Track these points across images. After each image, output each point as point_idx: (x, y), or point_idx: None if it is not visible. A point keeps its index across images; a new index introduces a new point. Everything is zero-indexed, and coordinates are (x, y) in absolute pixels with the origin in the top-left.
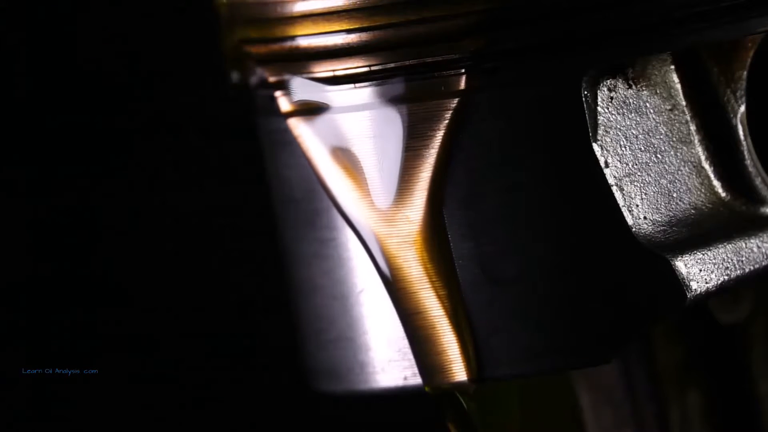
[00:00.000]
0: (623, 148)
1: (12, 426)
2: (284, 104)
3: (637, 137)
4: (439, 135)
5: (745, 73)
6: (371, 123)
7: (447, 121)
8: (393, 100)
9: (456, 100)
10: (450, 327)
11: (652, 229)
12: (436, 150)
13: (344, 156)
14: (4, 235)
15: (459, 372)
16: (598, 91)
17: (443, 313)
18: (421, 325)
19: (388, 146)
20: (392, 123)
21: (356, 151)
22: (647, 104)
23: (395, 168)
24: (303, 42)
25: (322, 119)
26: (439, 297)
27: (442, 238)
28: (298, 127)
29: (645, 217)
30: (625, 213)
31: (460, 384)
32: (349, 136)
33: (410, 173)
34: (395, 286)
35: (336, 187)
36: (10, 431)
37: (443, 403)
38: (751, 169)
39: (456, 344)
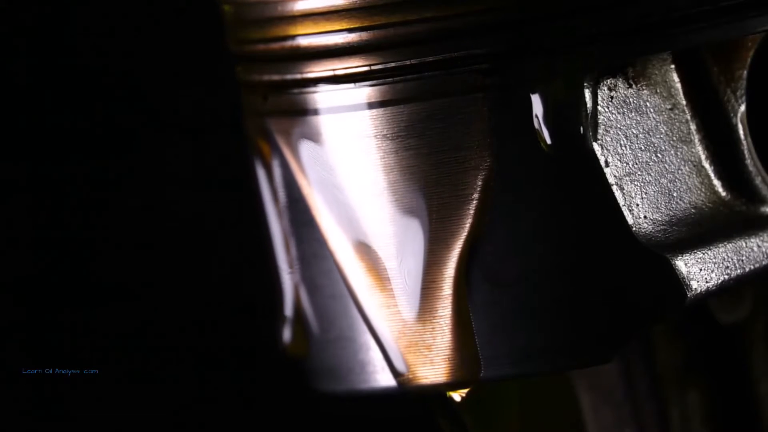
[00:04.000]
0: (623, 148)
1: (12, 426)
2: (283, 104)
3: (637, 136)
4: (440, 135)
5: (745, 72)
6: (371, 123)
7: (447, 121)
8: (393, 100)
9: (456, 100)
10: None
11: (653, 228)
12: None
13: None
14: (5, 234)
15: (457, 372)
16: (598, 91)
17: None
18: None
19: (388, 146)
20: (392, 123)
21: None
22: (647, 103)
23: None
24: (303, 41)
25: (317, 120)
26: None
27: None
28: (288, 128)
29: (645, 217)
30: (626, 212)
31: (458, 384)
32: (348, 137)
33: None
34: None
35: (356, 282)
36: (10, 431)
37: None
38: (751, 168)
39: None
